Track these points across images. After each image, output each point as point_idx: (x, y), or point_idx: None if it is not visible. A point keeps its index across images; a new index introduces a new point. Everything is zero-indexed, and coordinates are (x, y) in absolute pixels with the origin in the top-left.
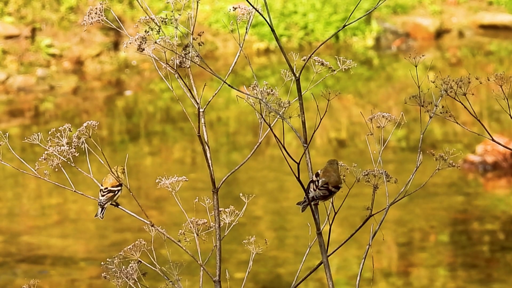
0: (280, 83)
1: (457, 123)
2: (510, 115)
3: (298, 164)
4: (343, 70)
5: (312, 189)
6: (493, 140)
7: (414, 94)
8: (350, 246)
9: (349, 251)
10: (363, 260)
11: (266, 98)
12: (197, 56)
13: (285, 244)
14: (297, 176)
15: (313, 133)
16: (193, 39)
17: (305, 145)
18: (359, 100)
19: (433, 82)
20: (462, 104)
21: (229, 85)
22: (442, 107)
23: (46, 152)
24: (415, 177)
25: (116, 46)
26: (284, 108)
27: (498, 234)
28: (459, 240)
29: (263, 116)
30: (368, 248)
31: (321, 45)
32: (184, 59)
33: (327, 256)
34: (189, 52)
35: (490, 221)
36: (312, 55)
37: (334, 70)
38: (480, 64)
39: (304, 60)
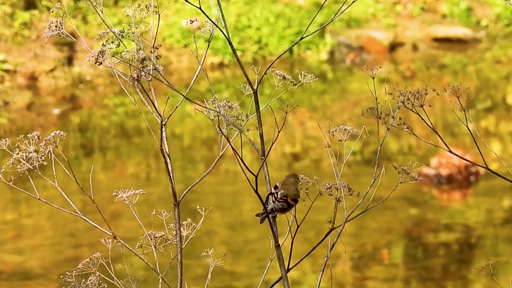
0: (235, 97)
1: (414, 135)
2: (467, 126)
3: (256, 176)
4: (304, 84)
5: (271, 201)
6: (450, 151)
7: (371, 106)
8: (305, 260)
9: (305, 266)
10: (321, 272)
11: (227, 112)
12: (155, 69)
13: (241, 258)
14: (255, 188)
15: (271, 145)
16: (152, 52)
17: (263, 157)
18: (314, 114)
19: (390, 94)
20: (419, 115)
21: (188, 99)
22: (400, 118)
23: (13, 157)
24: (370, 191)
25: (70, 61)
26: (243, 122)
27: (453, 246)
28: (414, 253)
29: (223, 130)
30: (326, 260)
31: (277, 58)
32: (142, 72)
33: (286, 270)
34: (148, 66)
35: (445, 233)
36: (268, 69)
37: (296, 84)
38: (435, 77)
39: (261, 73)
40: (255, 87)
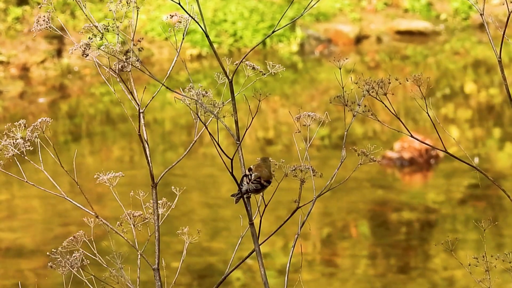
0: (212, 86)
1: (378, 120)
2: (427, 113)
3: (232, 160)
4: (273, 73)
5: (245, 183)
6: (411, 136)
7: (338, 94)
8: (277, 238)
9: (276, 243)
10: (293, 248)
11: (201, 99)
12: (138, 60)
13: (217, 236)
14: (230, 171)
15: (245, 131)
16: (134, 45)
17: (238, 142)
18: (285, 102)
19: (356, 83)
20: (383, 103)
21: (167, 88)
22: (365, 106)
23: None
24: (338, 172)
25: (59, 53)
26: (218, 108)
27: (414, 224)
28: (378, 230)
29: (199, 116)
30: (297, 238)
31: (250, 50)
32: (125, 63)
33: (259, 245)
34: (130, 57)
35: (407, 212)
36: (243, 60)
37: (265, 74)
38: (397, 67)
39: (235, 64)
40: (230, 77)
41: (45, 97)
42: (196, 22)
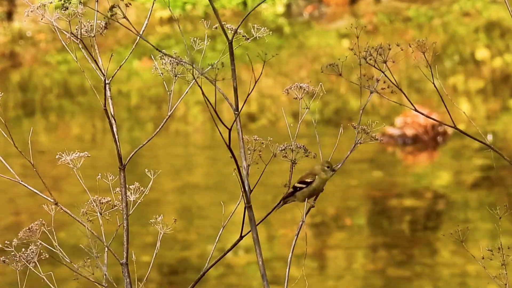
0: (185, 53)
1: (377, 93)
2: (434, 84)
3: (230, 130)
4: (257, 38)
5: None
6: (415, 110)
7: (330, 63)
8: (260, 227)
9: (260, 233)
10: (296, 237)
11: (175, 69)
12: (124, 17)
13: (192, 225)
14: (227, 144)
15: (246, 99)
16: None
17: (236, 112)
18: (270, 71)
19: (351, 50)
20: (382, 72)
21: (157, 49)
22: (365, 75)
23: None
24: (326, 152)
25: (9, 16)
26: (217, 70)
27: (419, 212)
28: (377, 219)
29: (171, 88)
30: (302, 224)
31: (261, 3)
32: (109, 21)
33: (256, 231)
34: (116, 13)
35: (411, 198)
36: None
37: (249, 39)
38: (398, 31)
39: (215, 28)
40: (230, 38)
41: None
42: None
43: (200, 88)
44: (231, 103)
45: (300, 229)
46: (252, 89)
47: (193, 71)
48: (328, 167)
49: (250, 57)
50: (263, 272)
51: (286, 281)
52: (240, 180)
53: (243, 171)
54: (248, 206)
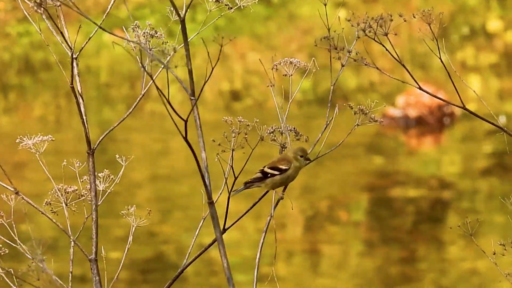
0: (161, 24)
1: (377, 68)
2: (440, 59)
3: (186, 121)
4: (241, 7)
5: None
6: (420, 88)
7: (325, 35)
8: (248, 221)
9: (247, 228)
10: (264, 234)
11: (149, 42)
12: None
13: (169, 217)
14: (183, 135)
15: (203, 85)
16: None
17: (192, 98)
18: (257, 45)
19: (348, 21)
20: (383, 46)
21: (104, 30)
22: (357, 53)
23: None
24: (324, 136)
25: None
26: (168, 55)
27: (423, 202)
28: (377, 210)
29: (146, 65)
30: (270, 220)
31: None
32: None
33: (220, 231)
34: None
35: (414, 187)
36: None
37: (232, 8)
38: (401, 0)
39: None
40: (182, 14)
41: None
42: None
43: (151, 76)
44: (186, 87)
45: (268, 224)
46: (210, 74)
47: (140, 55)
48: (301, 156)
49: (220, 35)
50: (229, 275)
51: (254, 282)
52: (200, 172)
53: (202, 164)
54: (210, 202)
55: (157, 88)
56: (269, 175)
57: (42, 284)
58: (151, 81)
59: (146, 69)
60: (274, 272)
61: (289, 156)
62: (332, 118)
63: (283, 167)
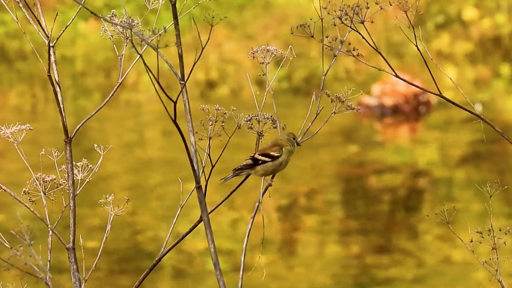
0: (137, 13)
1: (354, 56)
2: (417, 46)
3: (175, 102)
4: None
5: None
6: (396, 76)
7: (301, 23)
8: (223, 210)
9: (222, 216)
10: (252, 219)
11: (128, 29)
12: None
13: (146, 206)
14: (173, 118)
15: (192, 68)
16: None
17: (182, 82)
18: (232, 33)
19: (325, 8)
20: (359, 33)
21: (95, 14)
22: (340, 39)
23: None
24: (298, 125)
25: None
26: (157, 36)
27: (399, 191)
28: (352, 199)
29: (122, 52)
30: (258, 205)
31: None
32: None
33: (207, 214)
34: None
35: (390, 175)
36: None
37: None
38: None
39: None
40: None
41: None
42: None
43: (141, 57)
44: (176, 72)
45: (256, 211)
46: (199, 56)
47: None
48: (294, 138)
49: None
50: (216, 261)
51: (241, 269)
52: (189, 157)
53: (191, 148)
54: (198, 187)
55: (147, 67)
56: (260, 161)
57: (26, 269)
58: (130, 67)
59: (137, 50)
60: (254, 261)
61: (281, 141)
62: (322, 107)
63: (275, 154)
